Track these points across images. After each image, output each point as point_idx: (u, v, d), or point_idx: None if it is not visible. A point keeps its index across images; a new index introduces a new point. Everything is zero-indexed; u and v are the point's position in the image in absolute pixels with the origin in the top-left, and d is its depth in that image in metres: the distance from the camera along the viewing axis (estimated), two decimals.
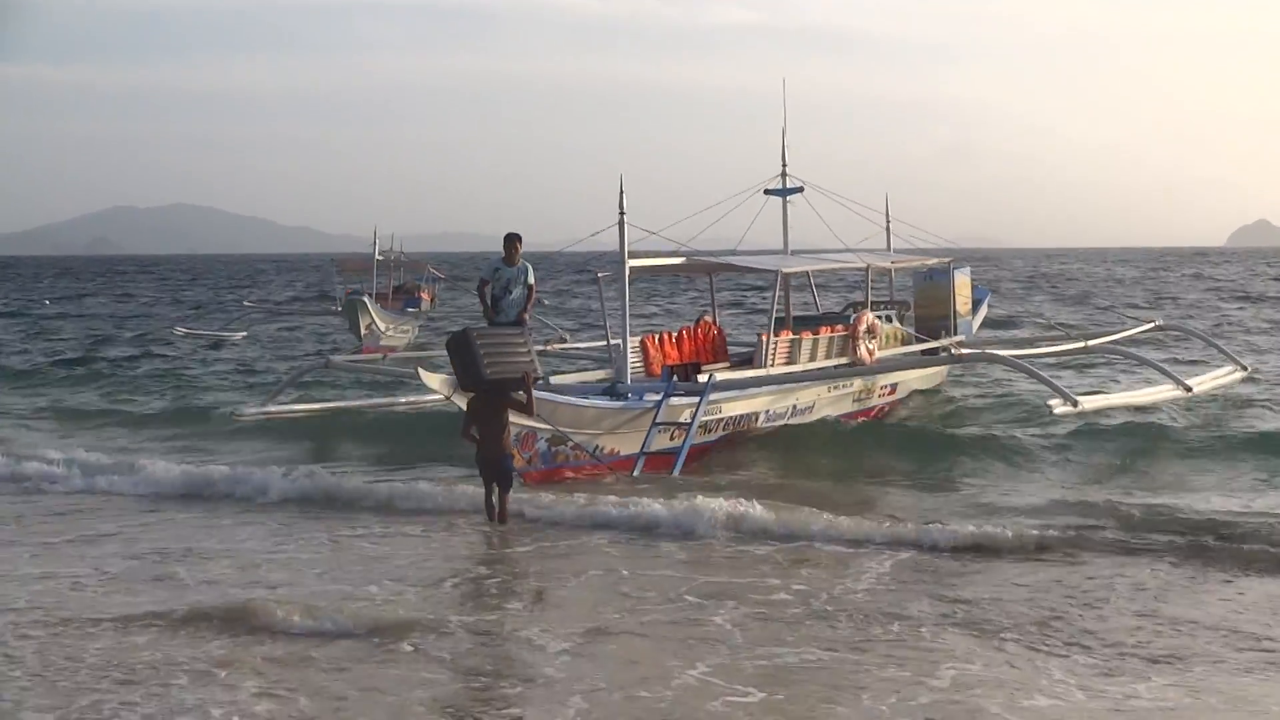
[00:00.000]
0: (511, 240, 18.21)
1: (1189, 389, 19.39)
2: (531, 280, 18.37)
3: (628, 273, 18.35)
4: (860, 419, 21.99)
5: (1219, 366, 22.91)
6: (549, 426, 16.48)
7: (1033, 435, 20.28)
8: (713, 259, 21.42)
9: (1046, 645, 9.65)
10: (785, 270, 21.78)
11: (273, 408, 21.94)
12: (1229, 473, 17.67)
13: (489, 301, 18.19)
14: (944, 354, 23.27)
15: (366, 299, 40.71)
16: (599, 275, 21.25)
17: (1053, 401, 17.21)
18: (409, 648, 9.80)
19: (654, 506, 14.44)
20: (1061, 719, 8.31)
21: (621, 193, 18.07)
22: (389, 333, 40.14)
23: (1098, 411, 19.17)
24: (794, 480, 17.40)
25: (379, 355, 30.86)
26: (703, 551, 13.09)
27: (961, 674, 9.01)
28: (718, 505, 14.24)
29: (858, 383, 21.97)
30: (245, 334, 44.81)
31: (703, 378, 18.88)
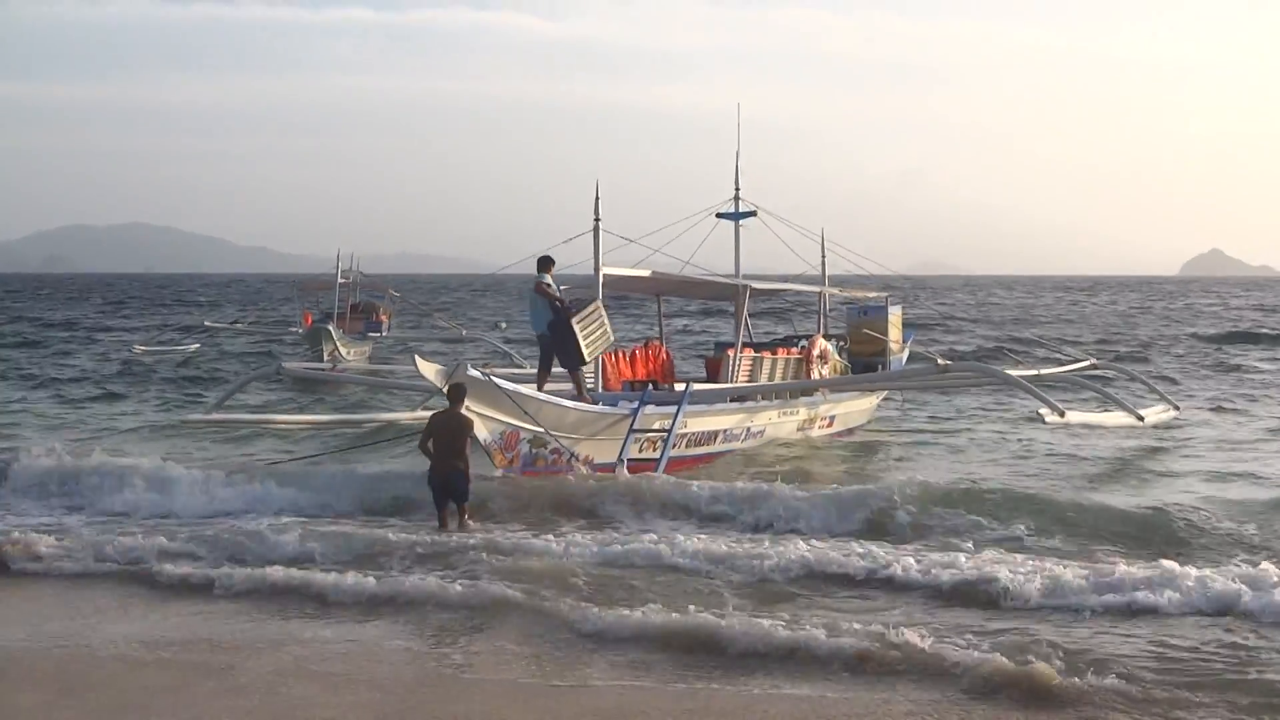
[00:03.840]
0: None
1: (1141, 419, 21.37)
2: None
3: (601, 279, 18.82)
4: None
5: (1157, 404, 24.33)
6: (535, 427, 16.76)
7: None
8: (680, 275, 21.69)
9: None
10: (755, 286, 22.38)
11: (217, 415, 22.01)
12: None
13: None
14: (929, 368, 22.54)
15: (331, 327, 41.81)
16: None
17: (1043, 411, 18.65)
18: None
19: None
20: None
21: (597, 199, 18.59)
22: (349, 356, 41.09)
23: (1081, 425, 21.01)
24: None
25: (329, 365, 32.35)
26: None
27: None
28: None
29: (803, 411, 22.42)
30: (197, 346, 46.41)
31: (679, 387, 19.42)
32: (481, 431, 16.29)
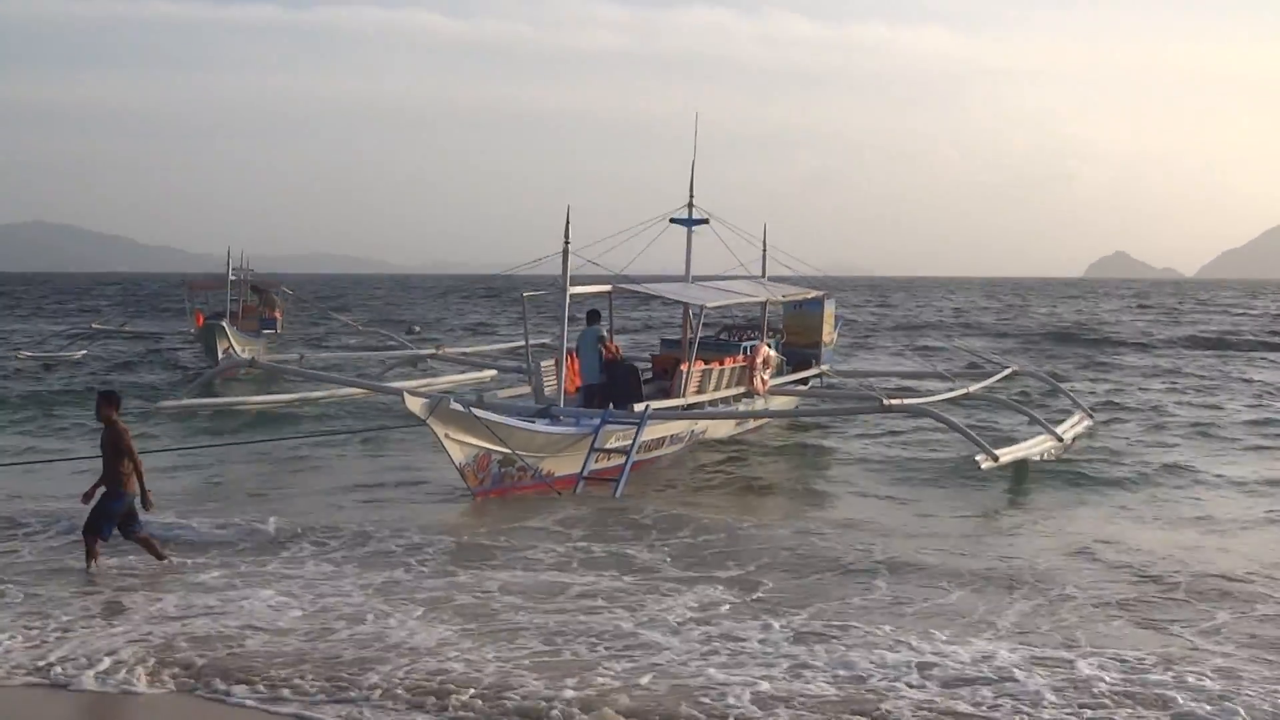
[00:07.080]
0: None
1: (1060, 439, 21.61)
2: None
3: (568, 299, 20.27)
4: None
5: (1072, 415, 24.41)
6: (506, 449, 18.20)
7: None
8: (639, 288, 23.27)
9: None
10: (710, 304, 23.28)
11: (188, 400, 23.81)
12: None
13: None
14: (873, 403, 22.30)
15: (225, 324, 41.17)
16: (525, 295, 22.37)
17: (979, 457, 18.98)
18: None
19: None
20: None
21: (568, 223, 19.81)
22: (244, 354, 39.58)
23: (1013, 462, 19.93)
24: None
25: (296, 356, 34.95)
26: None
27: None
28: None
29: (744, 408, 23.95)
30: (84, 353, 45.34)
31: (639, 407, 20.73)
32: (458, 455, 17.88)
